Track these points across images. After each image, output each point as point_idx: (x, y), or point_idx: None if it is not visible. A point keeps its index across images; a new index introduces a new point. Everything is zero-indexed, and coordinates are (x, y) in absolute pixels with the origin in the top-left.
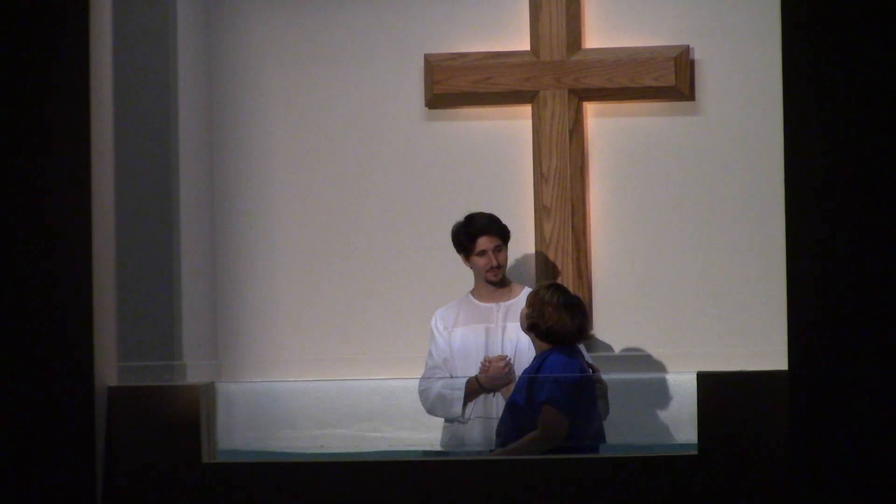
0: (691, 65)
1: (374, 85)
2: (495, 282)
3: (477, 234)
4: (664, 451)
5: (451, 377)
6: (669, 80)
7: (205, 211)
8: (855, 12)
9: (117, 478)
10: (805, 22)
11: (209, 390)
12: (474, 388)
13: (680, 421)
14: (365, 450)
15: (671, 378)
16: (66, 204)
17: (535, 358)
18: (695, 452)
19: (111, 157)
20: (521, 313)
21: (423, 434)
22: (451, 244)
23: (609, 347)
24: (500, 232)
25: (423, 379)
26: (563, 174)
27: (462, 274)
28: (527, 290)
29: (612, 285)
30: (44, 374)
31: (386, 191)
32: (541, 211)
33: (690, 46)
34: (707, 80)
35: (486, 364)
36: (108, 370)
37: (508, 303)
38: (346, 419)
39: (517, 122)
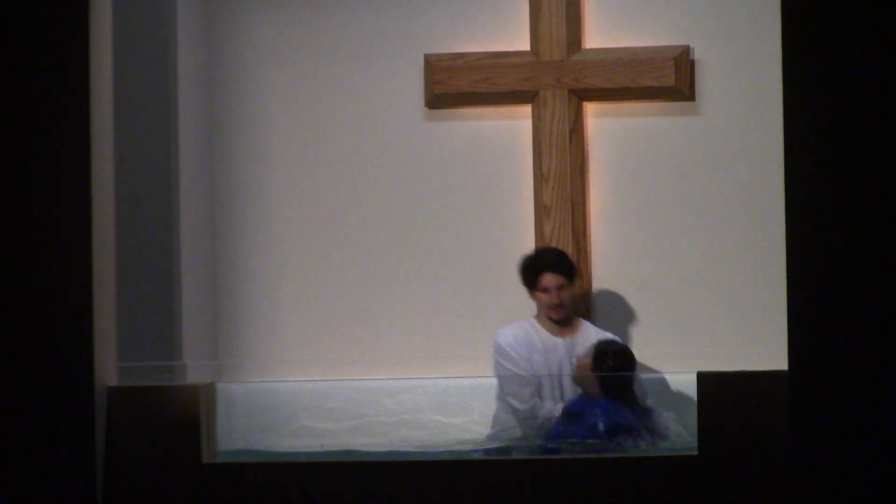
0: (691, 65)
1: (374, 85)
2: (557, 319)
3: (541, 270)
4: (664, 451)
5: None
6: (669, 80)
7: (205, 211)
8: (855, 12)
9: (117, 478)
10: (805, 22)
11: (209, 390)
12: None
13: (680, 421)
14: (365, 450)
15: (671, 378)
16: (66, 205)
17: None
18: (695, 452)
19: (111, 158)
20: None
21: (424, 434)
22: (450, 244)
23: None
24: (565, 270)
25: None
26: (563, 174)
27: (460, 274)
28: (588, 325)
29: (612, 285)
30: (44, 374)
31: (386, 191)
32: (541, 211)
33: (690, 46)
34: (707, 80)
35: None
36: (108, 370)
37: (573, 338)
38: (346, 419)
39: (517, 122)
